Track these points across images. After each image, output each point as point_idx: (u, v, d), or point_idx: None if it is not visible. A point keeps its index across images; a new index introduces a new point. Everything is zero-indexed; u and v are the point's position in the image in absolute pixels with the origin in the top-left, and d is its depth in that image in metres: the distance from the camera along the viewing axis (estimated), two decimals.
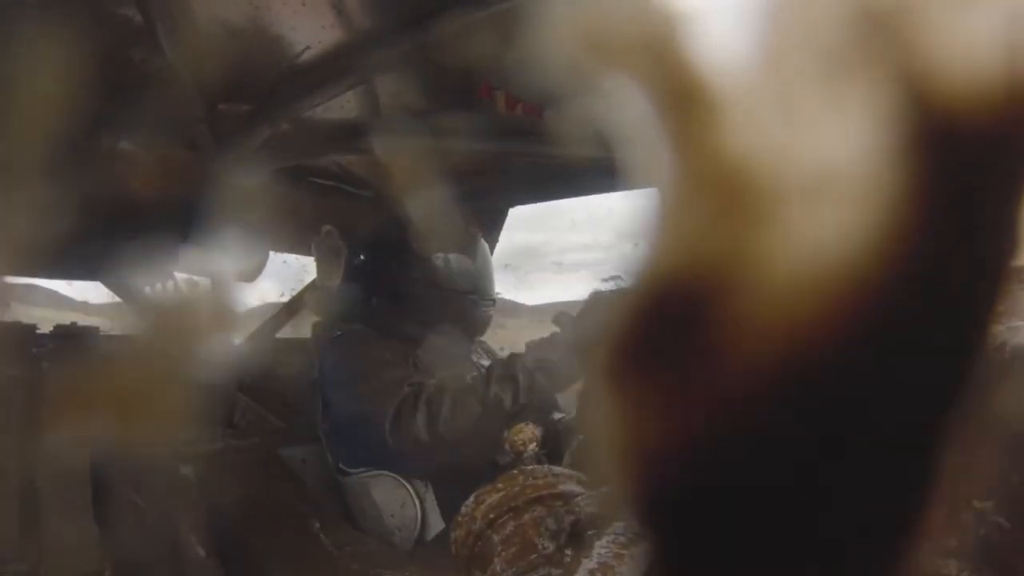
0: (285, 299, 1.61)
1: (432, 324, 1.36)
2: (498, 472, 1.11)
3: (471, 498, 0.87)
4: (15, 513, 0.88)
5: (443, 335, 1.33)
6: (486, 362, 1.44)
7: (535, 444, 1.11)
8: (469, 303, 1.42)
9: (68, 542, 0.91)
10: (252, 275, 1.18)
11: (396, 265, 1.42)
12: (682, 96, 0.17)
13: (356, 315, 1.40)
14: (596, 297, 1.03)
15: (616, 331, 0.17)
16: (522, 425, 1.15)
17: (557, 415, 1.37)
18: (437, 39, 0.85)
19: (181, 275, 1.14)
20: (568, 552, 0.66)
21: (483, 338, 1.57)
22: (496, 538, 0.77)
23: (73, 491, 0.95)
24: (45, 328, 1.12)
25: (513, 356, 1.25)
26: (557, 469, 0.95)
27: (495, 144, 1.18)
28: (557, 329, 1.24)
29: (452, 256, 1.41)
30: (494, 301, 1.49)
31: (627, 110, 0.18)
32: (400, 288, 1.39)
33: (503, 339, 1.63)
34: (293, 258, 1.59)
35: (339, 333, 1.39)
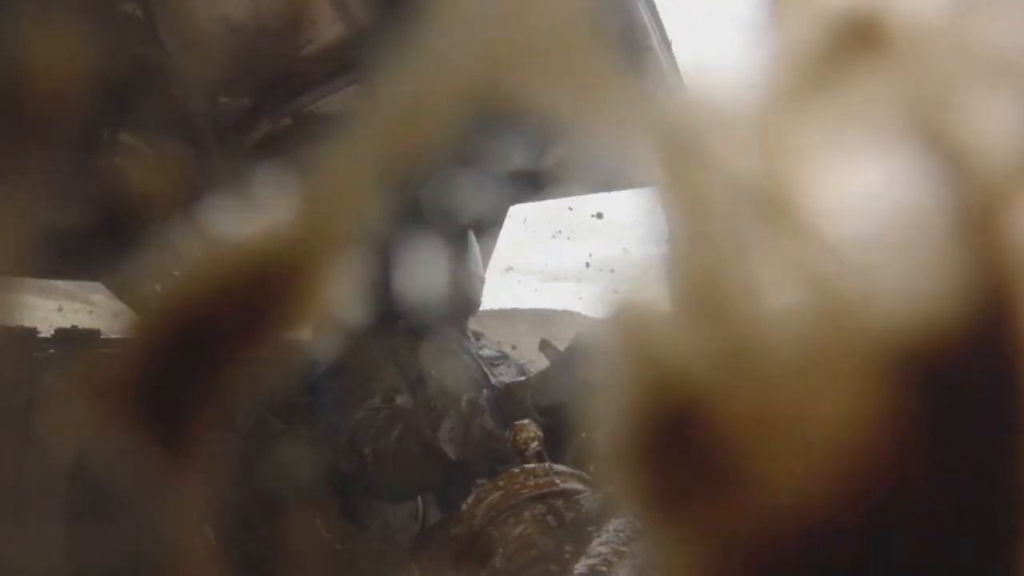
0: None
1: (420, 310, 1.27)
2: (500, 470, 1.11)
3: (472, 496, 0.86)
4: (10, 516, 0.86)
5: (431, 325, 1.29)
6: (486, 352, 1.40)
7: (537, 443, 1.10)
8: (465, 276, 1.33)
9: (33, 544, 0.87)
10: None
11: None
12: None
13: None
14: (581, 338, 1.09)
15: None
16: (524, 424, 1.14)
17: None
18: None
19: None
20: (568, 549, 0.65)
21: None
22: (497, 535, 0.76)
23: (47, 494, 0.91)
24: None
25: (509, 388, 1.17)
26: (558, 467, 0.94)
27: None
28: (543, 355, 1.22)
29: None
30: (482, 278, 1.41)
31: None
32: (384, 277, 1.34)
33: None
34: None
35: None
